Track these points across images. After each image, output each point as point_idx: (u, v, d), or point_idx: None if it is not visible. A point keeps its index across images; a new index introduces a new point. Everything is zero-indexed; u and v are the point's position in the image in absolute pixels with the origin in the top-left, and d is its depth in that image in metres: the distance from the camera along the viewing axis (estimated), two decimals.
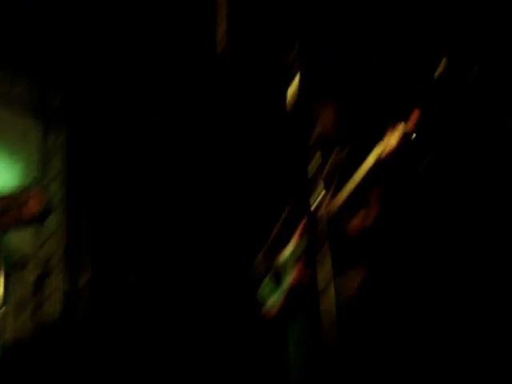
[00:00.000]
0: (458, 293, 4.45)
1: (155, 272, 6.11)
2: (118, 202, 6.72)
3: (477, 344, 4.17)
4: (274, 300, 3.86)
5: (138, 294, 5.50)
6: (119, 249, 6.47)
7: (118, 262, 6.33)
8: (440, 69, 3.18)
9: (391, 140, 3.24)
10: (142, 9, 5.58)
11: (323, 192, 3.70)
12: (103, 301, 6.32)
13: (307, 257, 3.11)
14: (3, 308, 5.27)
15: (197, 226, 6.19)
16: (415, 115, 3.18)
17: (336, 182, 3.71)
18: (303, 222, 3.67)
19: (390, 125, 3.29)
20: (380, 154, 3.29)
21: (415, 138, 3.16)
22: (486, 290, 4.18)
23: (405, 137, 3.22)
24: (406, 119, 3.20)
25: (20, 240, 6.26)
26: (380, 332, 3.97)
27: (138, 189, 6.65)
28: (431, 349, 4.41)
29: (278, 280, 3.87)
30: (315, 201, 3.71)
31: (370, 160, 3.34)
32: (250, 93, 5.38)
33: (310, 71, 3.84)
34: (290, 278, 3.74)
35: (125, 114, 6.81)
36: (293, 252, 3.78)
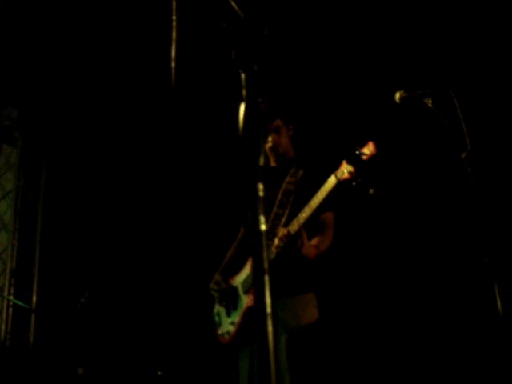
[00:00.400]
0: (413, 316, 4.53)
1: (106, 293, 5.97)
2: (71, 222, 6.57)
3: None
4: (227, 326, 3.78)
5: (88, 315, 5.35)
6: (70, 269, 6.30)
7: (68, 283, 6.17)
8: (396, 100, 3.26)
9: (348, 167, 3.24)
10: (97, 28, 5.51)
11: (278, 212, 3.73)
12: (52, 321, 6.14)
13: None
14: None
15: (150, 245, 6.09)
16: (371, 145, 3.21)
17: (291, 202, 3.69)
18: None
19: (347, 152, 3.31)
20: (337, 181, 3.29)
21: (369, 167, 3.21)
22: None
23: (360, 166, 3.24)
24: (361, 148, 3.23)
25: None
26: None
27: (92, 208, 6.52)
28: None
29: (232, 304, 3.79)
30: (269, 222, 3.72)
31: (327, 186, 3.34)
32: (202, 117, 5.37)
33: (266, 95, 3.88)
34: (243, 305, 3.67)
35: (81, 132, 6.69)
36: (247, 277, 3.72)
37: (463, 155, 3.06)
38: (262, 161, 1.39)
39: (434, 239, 4.70)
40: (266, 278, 1.30)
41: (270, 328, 1.27)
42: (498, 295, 2.81)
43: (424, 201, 4.80)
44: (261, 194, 1.37)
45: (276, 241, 3.45)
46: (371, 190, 3.16)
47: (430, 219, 4.74)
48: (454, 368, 4.31)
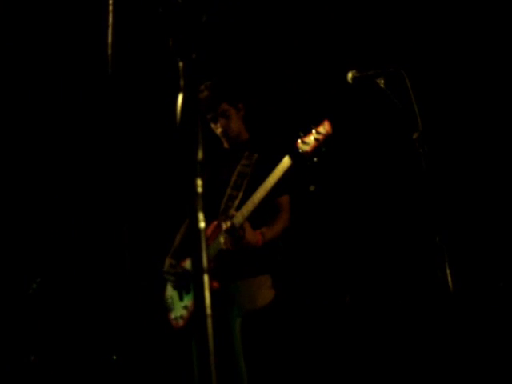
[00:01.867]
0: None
1: (58, 278, 5.86)
2: (20, 203, 6.40)
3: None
4: (181, 311, 3.72)
5: (39, 301, 5.26)
6: (21, 254, 6.16)
7: (19, 268, 6.03)
8: (348, 80, 3.23)
9: (305, 147, 3.22)
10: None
11: (232, 194, 3.69)
12: (2, 308, 6.01)
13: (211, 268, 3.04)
14: None
15: (103, 228, 5.99)
16: (327, 124, 3.19)
17: (246, 185, 3.64)
18: (210, 228, 3.58)
19: (302, 133, 3.29)
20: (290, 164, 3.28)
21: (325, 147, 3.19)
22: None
23: (318, 145, 3.22)
24: (316, 128, 3.20)
25: None
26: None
27: (39, 192, 6.35)
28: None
29: (185, 288, 3.74)
30: (222, 204, 3.69)
31: (280, 169, 3.32)
32: (139, 105, 5.25)
33: (208, 81, 3.82)
34: None
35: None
36: None
37: (415, 136, 3.06)
38: (200, 155, 1.33)
39: (386, 220, 4.74)
40: (206, 277, 1.25)
41: (210, 330, 1.22)
42: (449, 274, 2.84)
43: (375, 182, 4.82)
44: (199, 189, 1.31)
45: (222, 239, 3.43)
46: (312, 188, 3.15)
47: (382, 200, 4.77)
48: (406, 344, 4.37)
